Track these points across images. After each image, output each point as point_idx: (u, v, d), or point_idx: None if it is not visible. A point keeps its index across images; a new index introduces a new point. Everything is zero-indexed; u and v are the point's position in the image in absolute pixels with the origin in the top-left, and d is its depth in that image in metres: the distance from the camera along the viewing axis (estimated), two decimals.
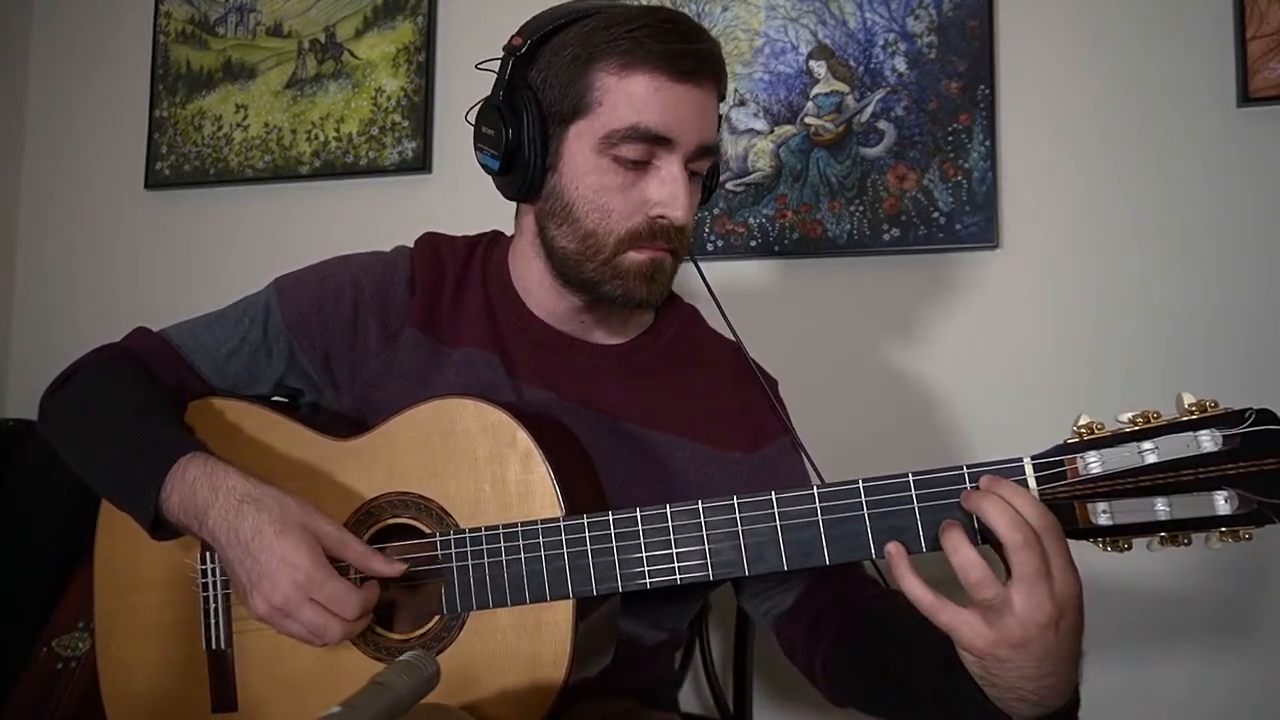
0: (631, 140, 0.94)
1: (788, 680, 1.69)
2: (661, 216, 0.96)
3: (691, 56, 0.94)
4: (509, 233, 1.12)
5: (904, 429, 1.67)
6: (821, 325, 1.73)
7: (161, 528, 0.94)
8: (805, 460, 1.10)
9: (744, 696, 1.44)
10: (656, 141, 0.94)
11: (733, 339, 1.14)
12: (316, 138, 2.02)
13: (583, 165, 0.96)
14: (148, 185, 2.13)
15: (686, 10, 1.81)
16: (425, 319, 1.05)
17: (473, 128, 1.01)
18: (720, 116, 1.03)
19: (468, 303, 1.07)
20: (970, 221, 1.63)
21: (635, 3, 0.98)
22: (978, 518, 0.76)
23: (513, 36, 0.98)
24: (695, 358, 1.10)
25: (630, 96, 0.93)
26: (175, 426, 0.99)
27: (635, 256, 0.97)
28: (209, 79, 2.11)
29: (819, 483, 0.84)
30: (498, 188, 1.03)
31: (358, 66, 2.01)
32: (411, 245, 1.12)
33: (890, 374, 1.69)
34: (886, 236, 1.68)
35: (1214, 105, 1.55)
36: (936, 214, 1.65)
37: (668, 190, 0.95)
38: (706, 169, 1.02)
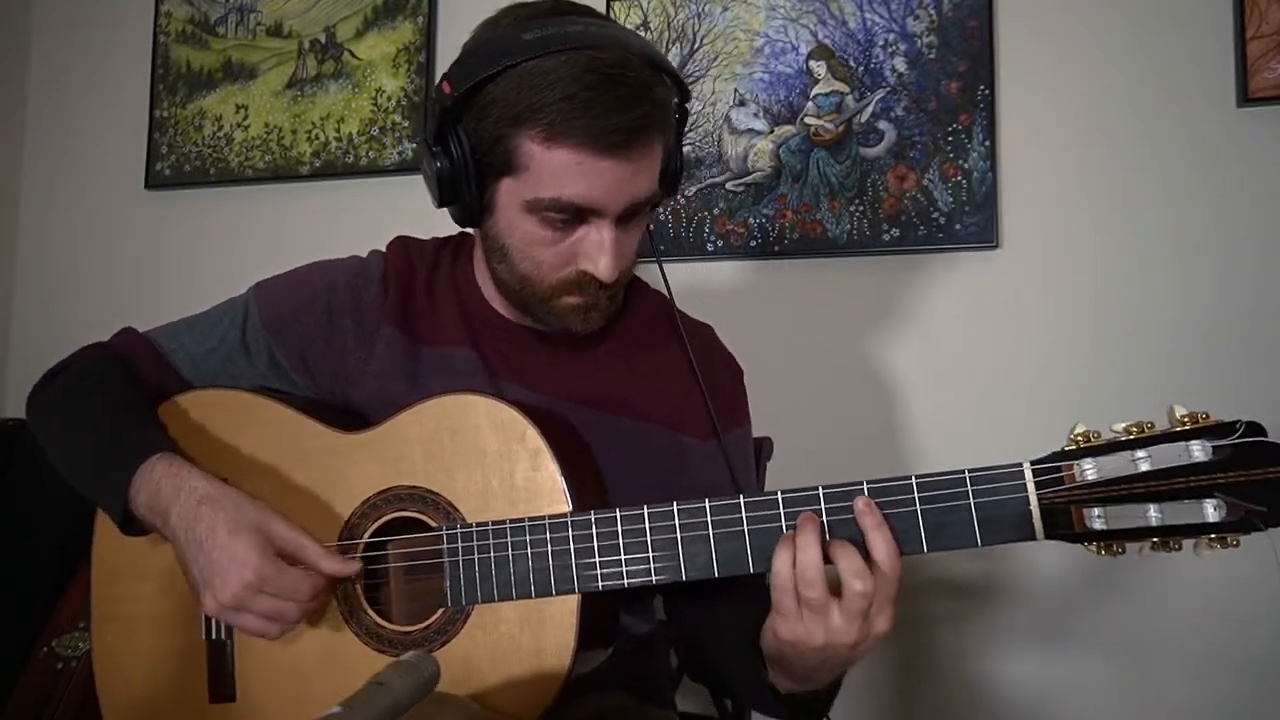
0: (555, 210, 0.93)
1: None
2: (588, 272, 0.97)
3: (620, 131, 0.89)
4: None
5: (903, 428, 1.67)
6: (821, 325, 1.73)
7: (131, 524, 0.97)
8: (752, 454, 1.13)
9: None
10: (582, 210, 0.93)
11: (704, 322, 1.16)
12: (317, 138, 2.02)
13: (513, 219, 0.96)
14: (148, 185, 2.13)
15: (686, 10, 1.81)
16: (400, 317, 1.07)
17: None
18: (669, 157, 0.99)
19: (440, 301, 1.09)
20: (970, 221, 1.63)
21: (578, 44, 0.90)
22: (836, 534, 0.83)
23: (443, 78, 0.96)
24: (663, 340, 1.11)
25: (553, 169, 0.91)
26: (149, 426, 1.01)
27: (570, 300, 0.99)
28: (209, 79, 2.11)
29: (823, 485, 0.85)
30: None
31: (358, 67, 2.01)
32: (383, 249, 1.14)
33: (889, 374, 1.69)
34: (886, 236, 1.68)
35: (1214, 105, 1.55)
36: (936, 214, 1.65)
37: (594, 251, 0.95)
38: (647, 208, 1.00)
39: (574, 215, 0.94)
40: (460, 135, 0.95)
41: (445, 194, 0.97)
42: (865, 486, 0.83)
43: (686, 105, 1.00)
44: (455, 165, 0.95)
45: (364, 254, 1.14)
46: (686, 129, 1.03)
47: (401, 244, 1.14)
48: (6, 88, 2.24)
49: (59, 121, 2.24)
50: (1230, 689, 1.50)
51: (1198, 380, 1.53)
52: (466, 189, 0.96)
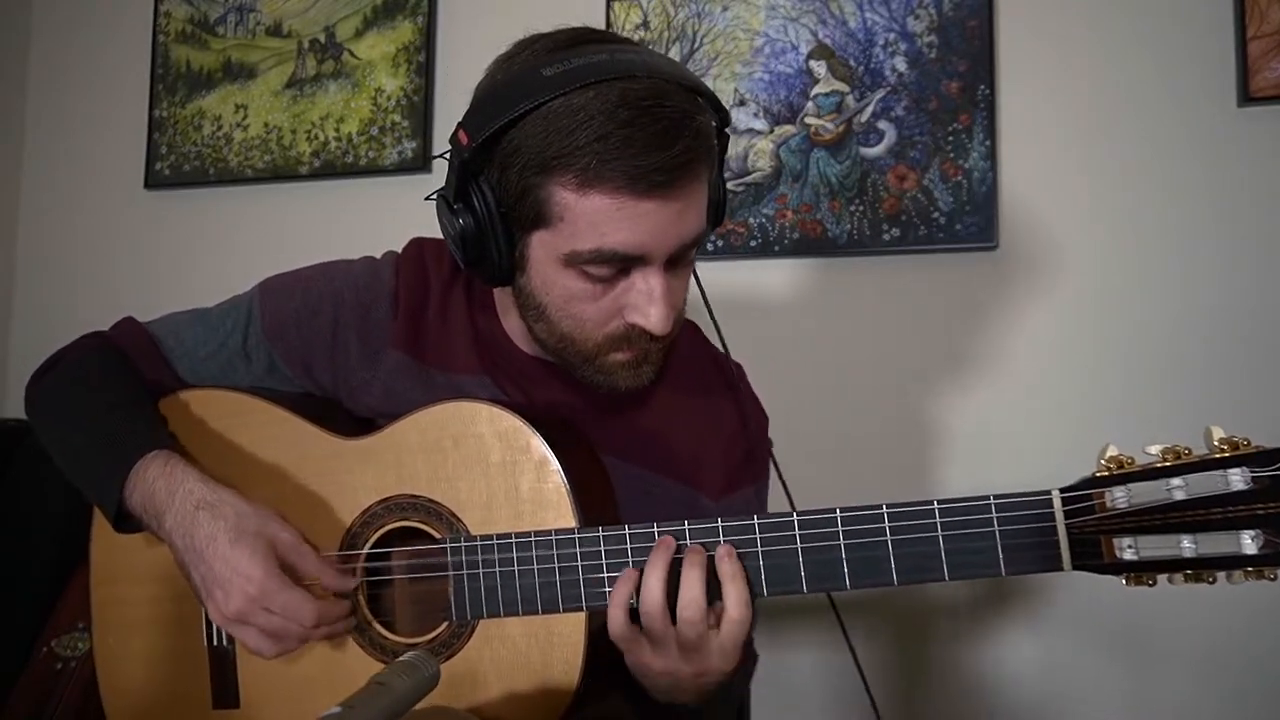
0: (597, 262, 0.86)
1: (786, 680, 1.69)
2: (637, 325, 0.90)
3: (661, 169, 0.81)
4: None
5: (903, 428, 1.67)
6: (821, 325, 1.73)
7: (125, 521, 0.95)
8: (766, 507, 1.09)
9: (743, 696, 1.44)
10: (627, 259, 0.86)
11: (734, 360, 1.09)
12: (316, 138, 2.01)
13: (549, 275, 0.89)
14: (148, 185, 2.13)
15: (686, 10, 1.81)
16: (409, 341, 1.02)
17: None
18: (713, 187, 0.92)
19: (454, 323, 1.04)
20: (970, 221, 1.63)
21: (606, 77, 0.82)
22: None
23: (459, 127, 0.88)
24: (690, 384, 1.06)
25: (590, 217, 0.83)
26: (146, 421, 0.98)
27: (618, 356, 0.92)
28: (209, 79, 2.11)
29: (841, 506, 0.83)
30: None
31: (358, 66, 2.01)
32: (400, 251, 1.09)
33: (889, 374, 1.69)
34: (886, 236, 1.68)
35: (1214, 105, 1.55)
36: (936, 214, 1.65)
37: (643, 302, 0.88)
38: (695, 248, 0.92)
39: (618, 266, 0.86)
40: (483, 189, 0.87)
41: (471, 255, 0.90)
42: (885, 510, 0.81)
43: (726, 130, 0.92)
44: (480, 223, 0.88)
45: (377, 254, 1.09)
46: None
47: (418, 250, 1.07)
48: (6, 88, 2.24)
49: (59, 121, 2.24)
50: (1231, 690, 1.50)
51: (1198, 380, 1.53)
52: (494, 247, 0.88)
